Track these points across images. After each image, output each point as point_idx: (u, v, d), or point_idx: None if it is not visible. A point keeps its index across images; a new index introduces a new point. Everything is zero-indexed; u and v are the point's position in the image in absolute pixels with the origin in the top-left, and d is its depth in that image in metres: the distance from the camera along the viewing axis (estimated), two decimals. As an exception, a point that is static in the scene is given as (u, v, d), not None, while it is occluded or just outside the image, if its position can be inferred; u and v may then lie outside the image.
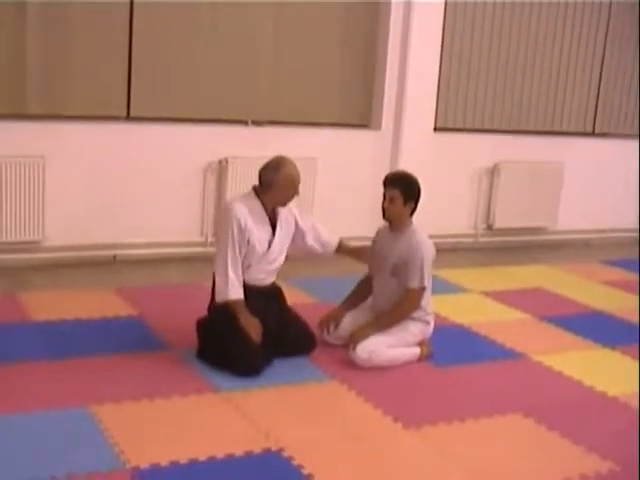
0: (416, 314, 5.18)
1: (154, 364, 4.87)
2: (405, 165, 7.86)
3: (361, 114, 8.01)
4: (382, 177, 7.95)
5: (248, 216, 4.82)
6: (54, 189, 6.62)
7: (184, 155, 7.13)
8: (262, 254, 4.92)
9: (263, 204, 4.91)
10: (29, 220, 6.57)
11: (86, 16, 6.62)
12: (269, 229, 4.95)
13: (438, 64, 8.02)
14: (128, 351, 5.02)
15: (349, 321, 5.30)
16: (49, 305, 5.77)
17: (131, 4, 6.74)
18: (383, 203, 5.15)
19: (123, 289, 6.23)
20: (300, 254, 5.40)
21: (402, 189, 5.07)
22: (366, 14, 7.78)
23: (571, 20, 8.75)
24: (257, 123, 7.47)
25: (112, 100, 6.88)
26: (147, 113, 7.02)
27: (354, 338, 5.06)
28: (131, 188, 6.98)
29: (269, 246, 4.95)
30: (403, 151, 7.93)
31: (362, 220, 7.79)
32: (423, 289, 5.11)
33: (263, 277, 5.02)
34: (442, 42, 8.01)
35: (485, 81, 8.47)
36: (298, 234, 5.20)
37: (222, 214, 4.92)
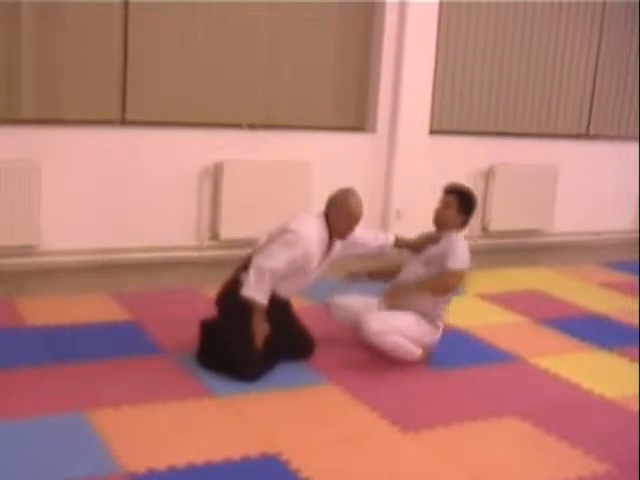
0: (435, 316, 5.23)
1: (151, 369, 4.87)
2: (400, 168, 7.91)
3: (356, 117, 8.01)
4: (377, 180, 8.03)
5: (316, 244, 4.90)
6: (50, 194, 6.61)
7: (180, 159, 7.13)
8: (306, 273, 4.98)
9: (329, 231, 4.99)
10: (25, 225, 6.56)
11: (80, 20, 6.62)
12: (324, 253, 5.02)
13: (433, 67, 8.03)
14: (125, 356, 5.01)
15: (356, 303, 5.33)
16: (45, 310, 5.76)
17: (126, 8, 6.74)
18: (438, 208, 5.26)
19: (119, 294, 6.22)
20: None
21: (459, 196, 5.22)
22: (360, 16, 7.78)
23: (565, 22, 8.77)
24: (252, 127, 7.47)
25: (107, 104, 6.88)
26: (142, 117, 7.02)
27: (387, 294, 5.18)
28: (127, 192, 6.97)
29: (316, 268, 5.01)
30: (398, 154, 7.94)
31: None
32: (462, 274, 5.17)
33: (290, 290, 5.07)
34: (437, 45, 8.01)
35: (480, 84, 8.48)
36: (352, 247, 5.27)
37: (294, 231, 4.86)
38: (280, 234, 4.90)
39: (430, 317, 5.23)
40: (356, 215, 5.01)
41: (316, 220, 5.00)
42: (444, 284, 5.16)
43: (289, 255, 4.80)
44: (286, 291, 5.03)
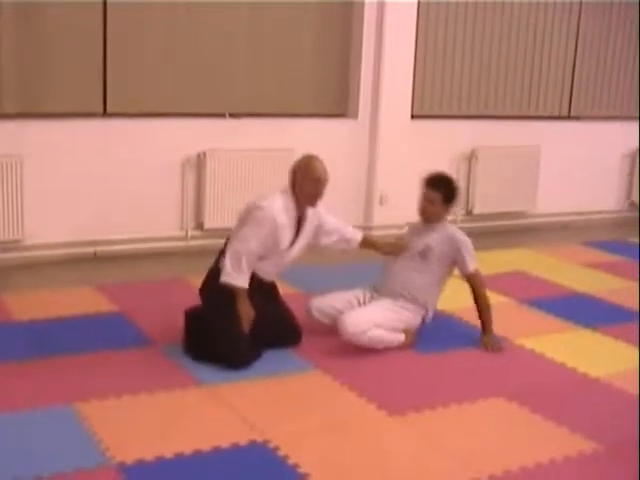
0: (416, 301, 5.27)
1: (137, 360, 4.87)
2: (383, 153, 7.92)
3: (337, 103, 8.01)
4: (360, 166, 8.02)
5: (283, 215, 4.86)
6: (32, 188, 6.60)
7: (162, 150, 7.12)
8: (282, 250, 4.95)
9: (296, 202, 4.96)
10: (8, 220, 6.54)
11: (60, 13, 6.59)
12: (294, 229, 4.99)
13: (413, 51, 8.03)
14: (111, 348, 5.01)
15: (336, 299, 5.35)
16: (31, 304, 5.75)
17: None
18: (422, 202, 5.30)
19: (104, 286, 6.22)
20: (324, 249, 5.48)
21: (443, 192, 5.27)
22: (341, 3, 7.78)
23: (544, 3, 8.78)
24: (234, 115, 7.46)
25: (88, 97, 6.86)
26: (124, 109, 7.00)
27: (491, 348, 5.29)
28: (110, 184, 6.96)
29: (291, 245, 4.98)
30: (380, 139, 7.95)
31: (341, 209, 7.80)
32: (478, 271, 5.36)
33: (271, 271, 5.05)
34: (417, 29, 8.01)
35: (460, 67, 8.49)
36: (323, 234, 5.27)
37: (258, 207, 4.86)
38: (247, 213, 4.89)
39: (417, 301, 5.27)
40: (322, 178, 4.97)
41: (280, 194, 4.97)
42: (483, 287, 5.38)
43: (259, 232, 4.78)
44: (267, 272, 5.01)
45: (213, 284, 4.89)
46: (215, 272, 4.90)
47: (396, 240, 5.54)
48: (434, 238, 5.31)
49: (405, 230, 5.73)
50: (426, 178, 5.35)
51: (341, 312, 5.17)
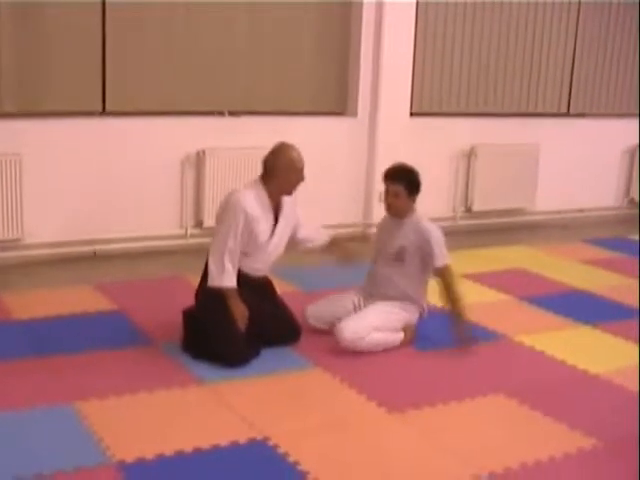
0: (409, 298, 5.24)
1: (137, 358, 4.88)
2: (382, 151, 7.91)
3: (337, 102, 8.01)
4: (360, 163, 8.00)
5: (255, 205, 4.83)
6: (31, 186, 6.59)
7: (161, 148, 7.12)
8: (263, 244, 4.93)
9: (269, 193, 4.91)
10: (7, 218, 6.54)
11: (59, 12, 6.59)
12: (272, 219, 4.95)
13: (412, 49, 8.02)
14: (111, 346, 5.01)
15: (329, 304, 5.35)
16: (30, 303, 5.75)
17: (103, -2, 6.73)
18: (386, 197, 5.22)
19: (104, 284, 6.22)
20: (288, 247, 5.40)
21: (405, 184, 5.16)
22: (339, 2, 7.77)
23: (543, 1, 8.77)
24: (234, 114, 7.46)
25: (87, 95, 6.86)
26: (123, 107, 7.00)
27: (460, 340, 5.15)
28: (109, 183, 6.95)
29: (271, 236, 4.96)
30: (380, 137, 7.95)
31: (340, 208, 7.83)
32: (449, 266, 5.18)
33: (259, 267, 5.03)
34: (416, 26, 8.00)
35: (459, 65, 8.49)
36: (299, 225, 5.24)
37: (228, 201, 4.87)
38: (221, 211, 4.89)
39: (411, 300, 5.26)
40: (303, 167, 4.95)
41: (250, 186, 4.95)
42: (453, 280, 5.18)
43: (234, 226, 4.75)
44: (255, 268, 4.99)
45: (204, 287, 4.90)
46: (206, 275, 4.90)
47: (361, 237, 5.44)
48: (405, 236, 5.21)
49: (375, 230, 5.58)
50: (385, 172, 5.25)
51: (338, 318, 5.16)
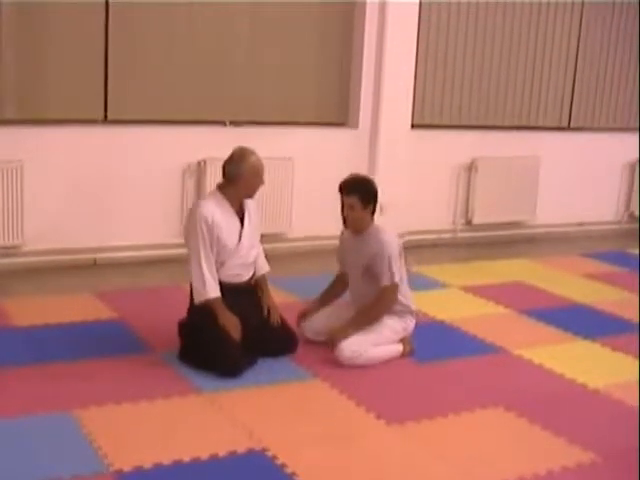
0: (398, 307, 5.21)
1: (136, 367, 4.87)
2: (383, 163, 7.92)
3: (338, 112, 8.02)
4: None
5: (215, 212, 4.84)
6: (32, 194, 6.60)
7: (162, 157, 7.13)
8: (233, 248, 4.94)
9: (229, 199, 4.93)
10: (8, 225, 6.54)
11: (61, 19, 6.61)
12: (237, 222, 4.97)
13: (414, 61, 8.03)
14: (110, 355, 5.01)
15: (325, 316, 5.34)
16: (30, 310, 5.75)
17: (106, 6, 6.73)
18: (342, 211, 5.17)
19: (104, 293, 6.22)
20: None
21: (360, 195, 5.09)
22: (341, 13, 7.79)
23: (545, 15, 8.80)
24: (235, 123, 7.47)
25: (89, 103, 6.87)
26: (124, 116, 7.02)
27: (334, 337, 5.08)
28: (110, 191, 6.96)
29: (239, 240, 4.96)
30: (380, 149, 7.95)
31: (340, 219, 7.80)
32: (396, 285, 5.13)
33: (238, 273, 5.02)
34: (417, 39, 8.02)
35: (461, 77, 8.51)
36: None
37: (189, 216, 4.95)
38: (186, 225, 4.96)
39: (400, 310, 5.24)
40: (261, 170, 4.95)
41: (209, 195, 5.00)
42: (385, 303, 5.13)
43: (200, 235, 4.78)
44: (235, 274, 4.99)
45: (193, 305, 4.95)
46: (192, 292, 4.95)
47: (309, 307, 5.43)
48: (367, 253, 5.12)
49: (338, 245, 5.52)
50: (340, 185, 5.20)
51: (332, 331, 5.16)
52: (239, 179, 4.90)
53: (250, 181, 4.93)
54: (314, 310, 5.40)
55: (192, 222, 4.85)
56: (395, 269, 5.09)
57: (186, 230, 4.96)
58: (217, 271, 4.88)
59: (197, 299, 4.84)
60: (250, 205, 5.08)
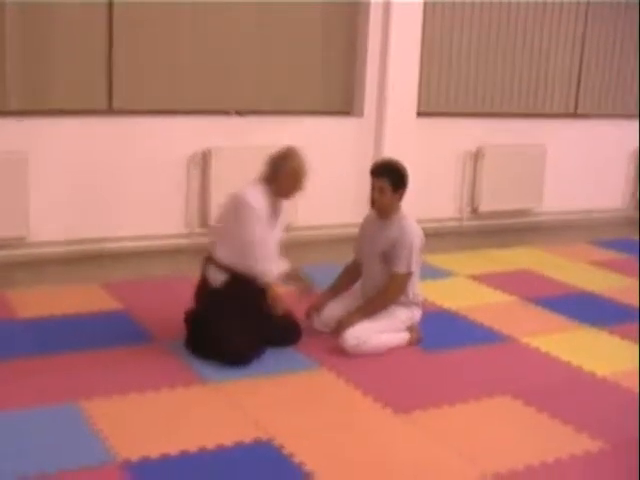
0: (404, 299, 5.19)
1: (142, 357, 4.87)
2: (389, 151, 7.87)
3: (343, 101, 7.99)
4: (366, 164, 7.93)
5: (263, 205, 4.84)
6: (37, 184, 6.59)
7: (167, 147, 7.11)
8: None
9: (271, 192, 4.92)
10: (13, 216, 6.53)
11: (65, 9, 6.59)
12: (273, 220, 4.96)
13: (419, 49, 8.00)
14: (116, 345, 5.01)
15: (335, 307, 5.31)
16: (35, 301, 5.75)
17: (110, -4, 6.72)
18: (372, 193, 5.13)
19: (109, 283, 6.22)
20: None
21: (391, 179, 5.07)
22: (346, 2, 7.75)
23: (552, 1, 8.75)
24: (240, 113, 7.45)
25: (94, 93, 6.85)
26: (129, 106, 7.00)
27: (341, 325, 5.07)
28: (115, 181, 6.95)
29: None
30: (386, 137, 7.92)
31: (346, 208, 7.79)
32: (410, 275, 5.11)
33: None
34: (423, 26, 7.98)
35: (467, 65, 8.47)
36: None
37: (239, 201, 4.87)
38: (235, 211, 4.87)
39: (407, 302, 5.22)
40: (303, 175, 4.95)
41: (258, 187, 4.93)
42: (395, 291, 5.12)
43: (257, 226, 4.79)
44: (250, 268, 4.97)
45: (204, 289, 4.94)
46: (203, 278, 4.95)
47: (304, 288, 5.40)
48: (388, 238, 5.11)
49: (359, 229, 5.47)
50: (371, 167, 5.22)
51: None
52: (277, 178, 4.90)
53: (289, 183, 4.93)
54: (322, 304, 5.37)
55: (246, 214, 4.80)
56: (413, 260, 5.08)
57: (234, 213, 4.88)
58: (239, 259, 4.86)
59: (265, 279, 4.85)
60: (284, 206, 5.07)
